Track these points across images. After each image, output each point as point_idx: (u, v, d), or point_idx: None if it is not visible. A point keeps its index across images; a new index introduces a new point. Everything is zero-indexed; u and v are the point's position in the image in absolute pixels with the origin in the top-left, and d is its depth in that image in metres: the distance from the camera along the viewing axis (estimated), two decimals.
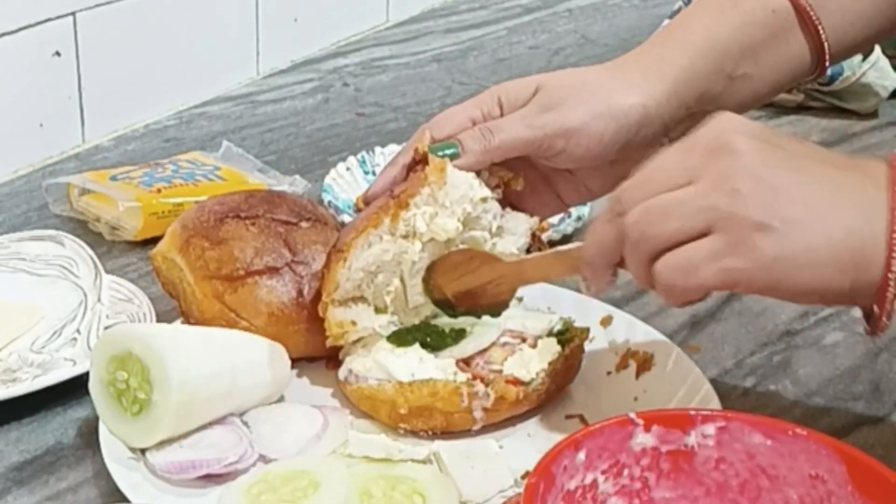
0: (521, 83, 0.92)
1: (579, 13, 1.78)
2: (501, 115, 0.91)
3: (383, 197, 0.89)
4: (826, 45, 0.93)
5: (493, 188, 0.90)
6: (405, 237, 0.86)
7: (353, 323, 0.87)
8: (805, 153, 0.75)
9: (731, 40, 0.92)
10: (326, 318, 0.87)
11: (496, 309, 0.89)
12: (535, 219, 0.92)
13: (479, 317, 0.89)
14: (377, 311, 0.88)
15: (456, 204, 0.87)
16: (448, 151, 0.88)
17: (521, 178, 0.91)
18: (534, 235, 0.92)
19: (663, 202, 0.74)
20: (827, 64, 0.94)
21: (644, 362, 0.91)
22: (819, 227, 0.71)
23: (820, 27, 0.92)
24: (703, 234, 0.72)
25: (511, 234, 0.90)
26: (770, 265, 0.71)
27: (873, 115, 1.41)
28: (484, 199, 0.88)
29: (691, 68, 0.91)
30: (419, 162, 0.89)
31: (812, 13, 0.92)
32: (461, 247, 0.89)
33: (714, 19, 0.92)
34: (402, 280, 0.88)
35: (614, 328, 0.95)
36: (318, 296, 0.89)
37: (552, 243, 1.00)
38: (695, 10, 0.95)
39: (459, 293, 0.89)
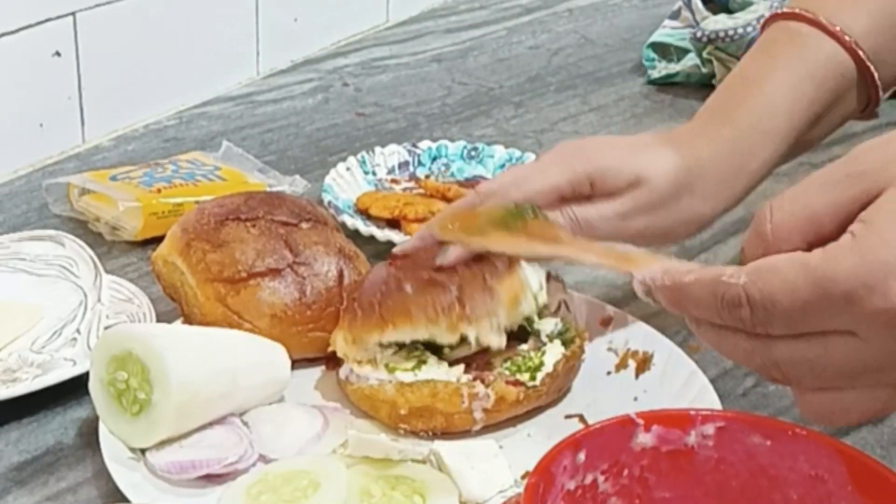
0: (622, 170, 0.88)
1: (579, 13, 1.78)
2: (590, 193, 0.88)
3: (447, 295, 0.84)
4: (880, 94, 0.93)
5: None
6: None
7: (359, 361, 0.87)
8: None
9: (806, 119, 0.91)
10: (334, 340, 0.88)
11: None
12: (570, 293, 0.93)
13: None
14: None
15: (509, 318, 0.86)
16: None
17: None
18: (561, 302, 0.92)
19: (824, 363, 0.62)
20: (877, 109, 0.94)
21: (644, 362, 0.91)
22: None
23: (878, 82, 0.92)
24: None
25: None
26: None
27: (873, 115, 1.41)
28: (537, 300, 0.87)
29: (772, 161, 0.91)
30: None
31: (873, 70, 0.91)
32: None
33: (796, 97, 0.91)
34: None
35: (614, 328, 0.95)
36: (320, 296, 0.89)
37: None
38: (776, 80, 0.91)
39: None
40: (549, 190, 0.87)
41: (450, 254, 0.85)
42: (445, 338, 0.85)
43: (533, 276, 0.87)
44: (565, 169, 0.88)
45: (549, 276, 0.90)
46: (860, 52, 0.91)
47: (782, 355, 0.62)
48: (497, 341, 0.85)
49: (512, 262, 0.86)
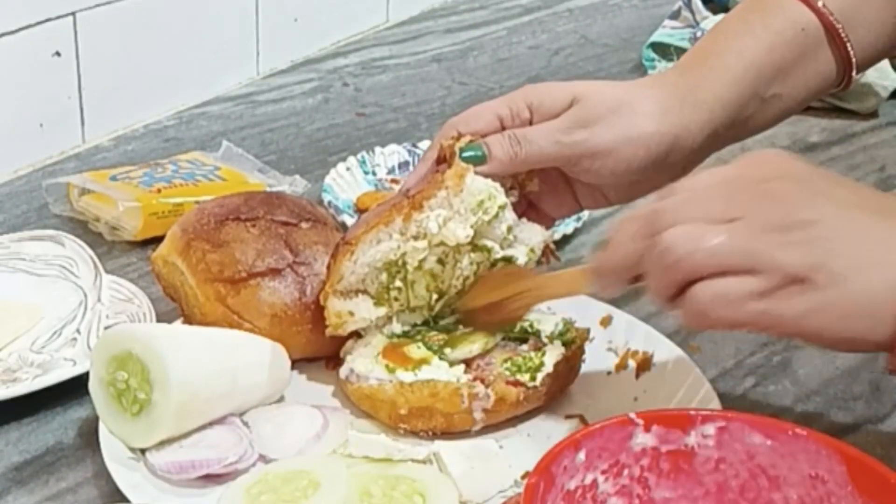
0: (558, 91, 0.91)
1: (579, 13, 1.78)
2: (531, 119, 0.91)
3: (397, 195, 0.89)
4: (854, 59, 0.94)
5: (507, 189, 0.90)
6: (415, 238, 0.86)
7: (351, 314, 0.87)
8: (854, 201, 0.73)
9: (763, 63, 0.92)
10: (326, 307, 0.88)
11: (509, 325, 0.89)
12: (550, 232, 0.92)
13: (492, 334, 0.88)
14: (376, 304, 0.88)
15: (470, 212, 0.87)
16: (474, 154, 0.88)
17: (536, 180, 0.92)
18: (547, 248, 0.92)
19: (706, 235, 0.72)
20: (854, 75, 0.95)
21: (644, 362, 0.91)
22: (861, 282, 0.70)
23: (848, 43, 0.93)
24: (743, 272, 0.71)
25: (523, 244, 0.90)
26: (807, 316, 0.71)
27: (873, 115, 1.41)
28: (502, 207, 0.88)
29: (726, 97, 0.92)
30: (442, 160, 0.89)
31: (840, 30, 0.93)
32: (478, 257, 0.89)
33: (747, 42, 0.93)
34: (405, 280, 0.88)
35: (614, 328, 0.95)
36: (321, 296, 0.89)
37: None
38: (726, 29, 0.95)
39: (482, 306, 0.88)
40: (489, 117, 0.91)
41: (408, 181, 0.91)
42: (411, 245, 0.86)
43: (482, 181, 0.88)
44: (505, 98, 0.92)
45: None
46: (825, 11, 0.92)
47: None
48: (462, 232, 0.86)
49: (452, 153, 0.88)
